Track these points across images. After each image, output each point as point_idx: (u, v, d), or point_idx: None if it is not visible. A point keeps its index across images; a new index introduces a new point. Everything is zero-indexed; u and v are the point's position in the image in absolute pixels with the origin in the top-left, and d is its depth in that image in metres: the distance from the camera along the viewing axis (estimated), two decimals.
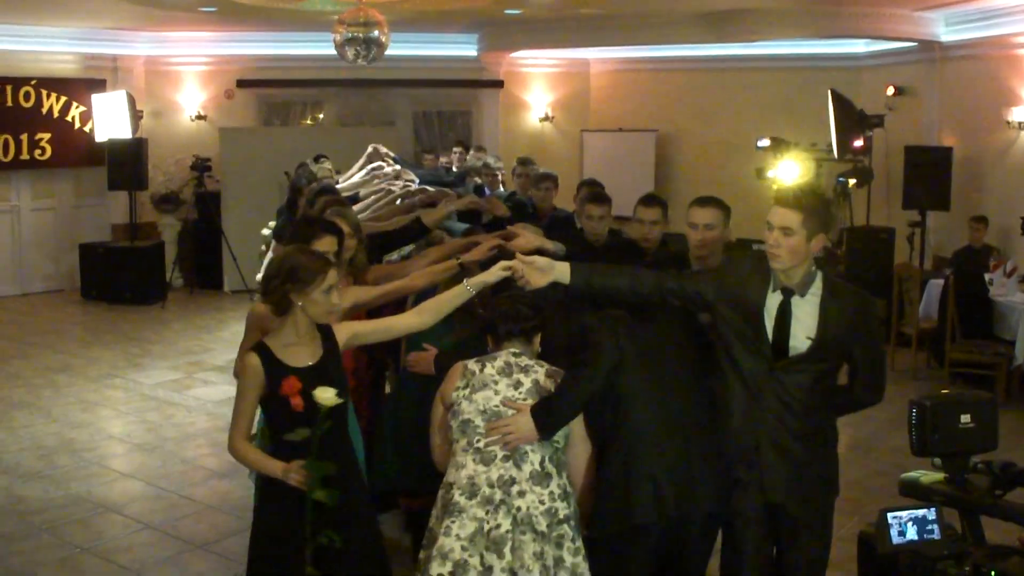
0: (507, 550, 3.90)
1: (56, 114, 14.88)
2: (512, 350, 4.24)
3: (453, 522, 3.96)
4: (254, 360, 4.02)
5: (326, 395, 3.92)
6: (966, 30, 12.80)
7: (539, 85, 17.43)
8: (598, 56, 17.38)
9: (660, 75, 16.86)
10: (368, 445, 5.23)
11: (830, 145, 13.26)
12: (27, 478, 7.75)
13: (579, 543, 4.06)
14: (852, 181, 13.00)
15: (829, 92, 13.20)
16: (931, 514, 3.40)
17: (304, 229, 4.79)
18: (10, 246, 15.08)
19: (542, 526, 3.96)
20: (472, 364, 4.22)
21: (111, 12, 13.56)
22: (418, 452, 4.44)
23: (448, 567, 3.88)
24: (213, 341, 12.31)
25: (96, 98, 15.01)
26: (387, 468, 5.28)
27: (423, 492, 4.36)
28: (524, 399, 4.11)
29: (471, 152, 12.51)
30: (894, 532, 3.36)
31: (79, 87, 15.05)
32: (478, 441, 4.09)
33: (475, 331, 4.58)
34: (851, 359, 4.26)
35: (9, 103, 14.33)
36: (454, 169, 11.45)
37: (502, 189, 10.12)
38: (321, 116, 17.02)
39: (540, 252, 4.69)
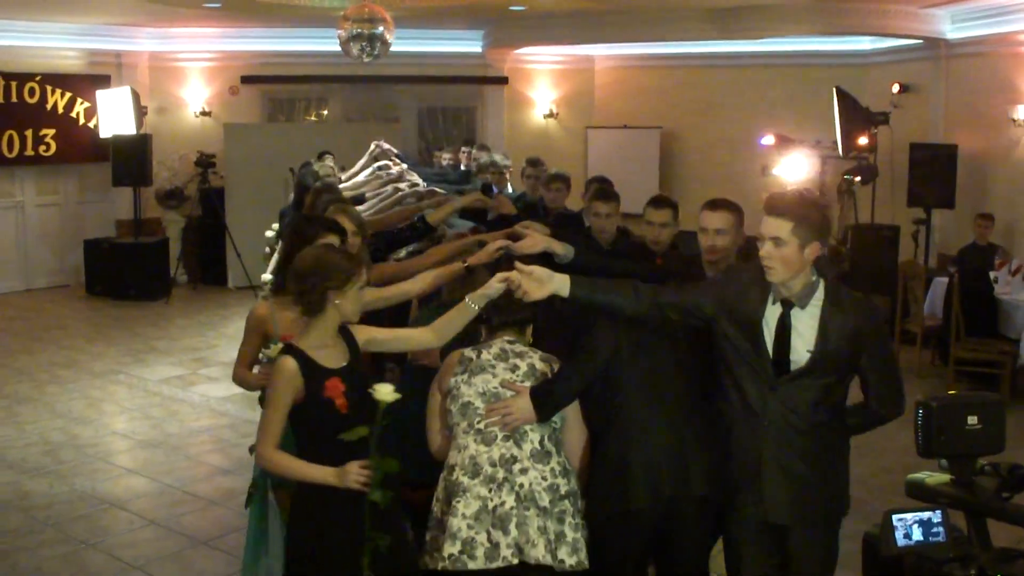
0: (512, 526, 4.00)
1: (61, 110, 14.89)
2: (507, 338, 4.35)
3: (458, 502, 4.03)
4: (291, 364, 3.87)
5: (385, 391, 3.93)
6: (972, 27, 12.78)
7: (543, 82, 17.42)
8: (603, 53, 17.35)
9: (665, 72, 16.84)
10: None
11: (835, 142, 13.26)
12: (32, 474, 7.77)
13: (579, 519, 4.16)
14: (857, 178, 13.00)
15: (834, 89, 13.19)
16: (936, 516, 3.36)
17: (305, 227, 4.73)
18: (15, 242, 15.10)
19: (545, 502, 4.06)
20: (469, 351, 4.33)
21: (116, 8, 13.57)
22: (422, 444, 4.47)
23: (457, 546, 3.96)
24: (217, 337, 12.32)
25: (101, 94, 15.02)
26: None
27: (426, 484, 4.37)
28: (522, 381, 4.22)
29: (473, 150, 12.45)
30: (899, 534, 3.33)
31: (84, 83, 15.07)
32: (479, 422, 4.18)
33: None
34: (860, 372, 4.09)
35: (14, 99, 14.35)
36: (462, 167, 11.39)
37: (510, 189, 9.99)
38: (325, 112, 17.03)
39: (548, 253, 4.68)
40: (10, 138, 14.39)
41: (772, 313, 4.02)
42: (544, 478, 4.11)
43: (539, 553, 3.98)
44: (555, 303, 4.26)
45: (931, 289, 11.05)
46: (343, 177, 9.41)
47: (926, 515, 3.35)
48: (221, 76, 16.19)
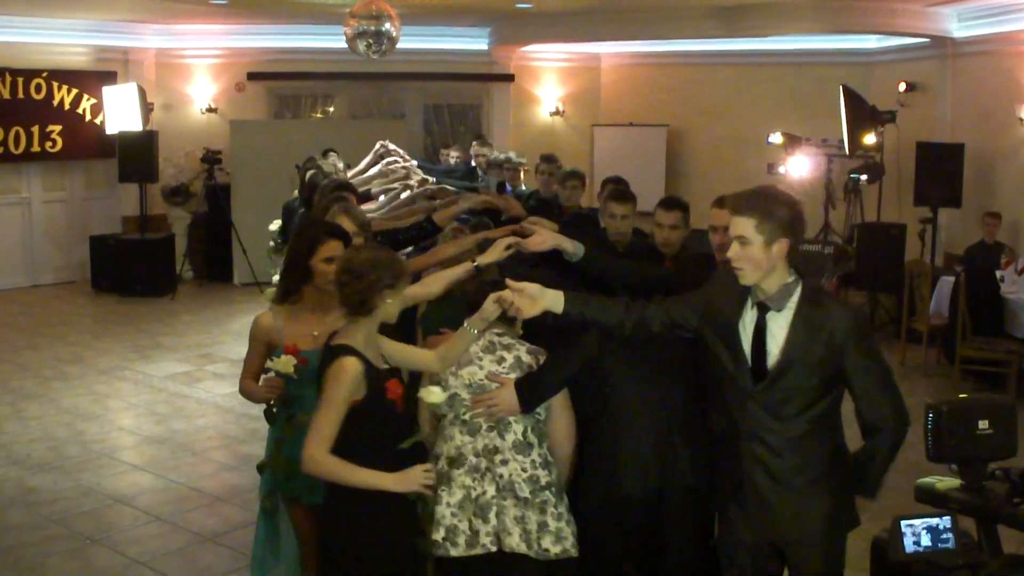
0: (492, 515, 4.14)
1: (67, 106, 14.90)
2: (495, 330, 4.38)
3: (443, 491, 4.17)
4: (358, 365, 3.80)
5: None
6: (978, 26, 12.76)
7: (550, 79, 17.41)
8: (609, 50, 17.35)
9: (671, 70, 16.83)
10: None
11: (841, 141, 13.25)
12: (37, 469, 7.77)
13: (562, 508, 4.25)
14: (863, 177, 12.98)
15: (841, 88, 13.19)
16: (946, 522, 3.31)
17: (311, 233, 4.65)
18: (21, 238, 15.11)
19: (524, 492, 4.18)
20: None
21: (122, 4, 13.59)
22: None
23: (441, 533, 4.12)
24: (223, 334, 12.32)
25: (107, 90, 15.03)
26: None
27: None
28: (507, 373, 4.28)
29: (474, 145, 12.41)
30: (908, 540, 3.29)
31: (90, 79, 15.07)
32: (464, 413, 4.28)
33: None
34: (846, 380, 3.84)
35: (20, 95, 14.35)
36: (473, 163, 11.34)
37: (524, 186, 9.94)
38: (331, 109, 17.03)
39: (557, 250, 4.67)
40: (16, 134, 14.40)
41: (750, 318, 3.84)
42: (524, 469, 4.22)
43: (514, 542, 4.11)
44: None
45: (937, 288, 11.04)
46: (348, 175, 9.39)
47: (935, 521, 3.31)
48: (227, 73, 16.19)
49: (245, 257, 14.44)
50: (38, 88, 14.53)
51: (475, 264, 4.70)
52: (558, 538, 4.18)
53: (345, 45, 10.73)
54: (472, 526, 4.13)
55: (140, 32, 15.50)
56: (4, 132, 14.25)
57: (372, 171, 9.01)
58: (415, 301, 4.83)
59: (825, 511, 3.92)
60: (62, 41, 14.82)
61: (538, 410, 4.30)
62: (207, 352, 11.45)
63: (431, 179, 8.55)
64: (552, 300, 4.01)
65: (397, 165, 8.86)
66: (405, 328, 4.97)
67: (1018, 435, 3.58)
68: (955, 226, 13.16)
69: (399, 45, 10.76)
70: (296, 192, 9.58)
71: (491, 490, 4.15)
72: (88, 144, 15.21)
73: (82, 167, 15.50)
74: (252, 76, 16.14)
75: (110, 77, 15.19)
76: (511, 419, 4.24)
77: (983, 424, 3.49)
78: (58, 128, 14.81)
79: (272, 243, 9.31)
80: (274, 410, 4.66)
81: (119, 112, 14.86)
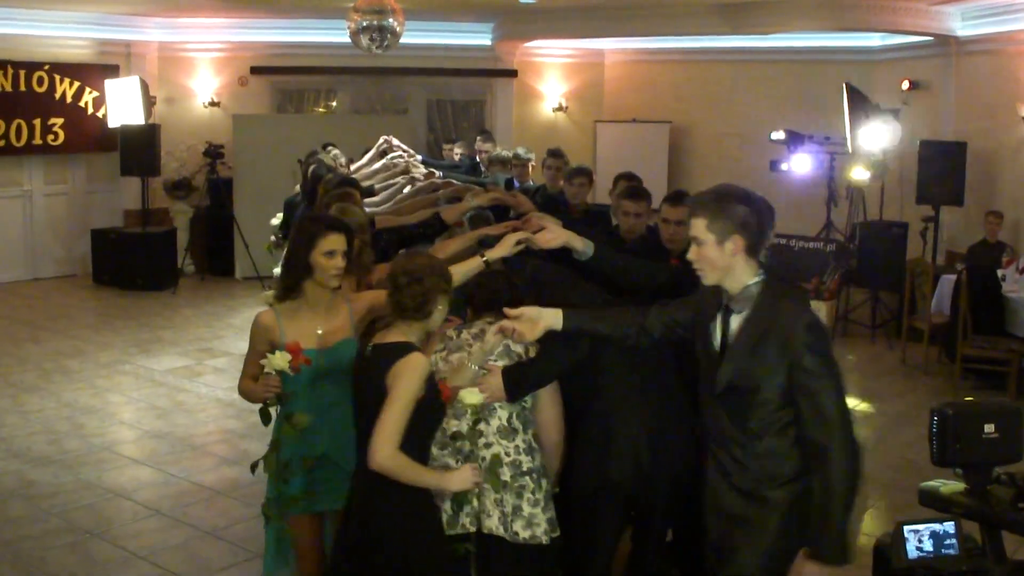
0: (472, 496, 4.24)
1: (69, 99, 14.89)
2: (488, 319, 4.44)
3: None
4: (428, 363, 3.91)
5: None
6: (982, 25, 12.75)
7: (553, 75, 17.38)
8: (612, 47, 17.32)
9: (675, 66, 16.81)
10: None
11: (844, 138, 13.23)
12: (37, 463, 7.77)
13: (540, 496, 4.31)
14: (866, 175, 12.97)
15: (844, 85, 13.17)
16: (950, 528, 3.26)
17: (310, 227, 4.49)
18: (22, 231, 15.11)
19: (505, 476, 4.27)
20: (450, 331, 4.50)
21: None
22: None
23: None
24: (224, 328, 12.32)
25: (109, 84, 15.02)
26: None
27: None
28: (496, 361, 4.34)
29: (477, 140, 12.38)
30: (911, 546, 3.24)
31: (92, 72, 15.06)
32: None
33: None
34: (792, 393, 3.59)
35: (23, 88, 14.34)
36: (478, 159, 11.31)
37: (531, 182, 9.81)
38: (334, 104, 17.01)
39: (567, 248, 4.64)
40: (18, 127, 14.39)
41: (720, 320, 3.77)
42: (507, 454, 4.30)
43: (493, 524, 4.23)
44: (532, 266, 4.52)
45: (939, 286, 11.03)
46: (351, 169, 9.38)
47: (939, 526, 3.26)
48: (230, 67, 16.18)
49: (247, 251, 14.43)
50: (40, 81, 14.53)
51: (484, 259, 4.65)
52: (529, 523, 4.26)
53: (348, 40, 10.71)
54: (453, 506, 4.23)
55: (143, 25, 15.49)
56: (6, 125, 14.25)
57: (374, 166, 9.01)
58: None
59: (782, 527, 3.63)
60: (64, 34, 14.81)
61: (524, 398, 4.36)
62: (208, 346, 11.45)
63: (437, 172, 8.51)
64: (552, 319, 4.04)
65: (400, 160, 8.84)
66: None
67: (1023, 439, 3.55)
68: (957, 225, 13.15)
69: (402, 40, 10.73)
70: (298, 187, 9.56)
71: None
72: (90, 137, 15.21)
73: (84, 160, 15.50)
74: (255, 70, 16.13)
75: (112, 70, 15.19)
76: (496, 405, 4.31)
77: (989, 428, 3.43)
78: (60, 121, 14.80)
79: (273, 238, 9.29)
80: (270, 409, 4.48)
81: (121, 105, 14.85)
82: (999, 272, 10.52)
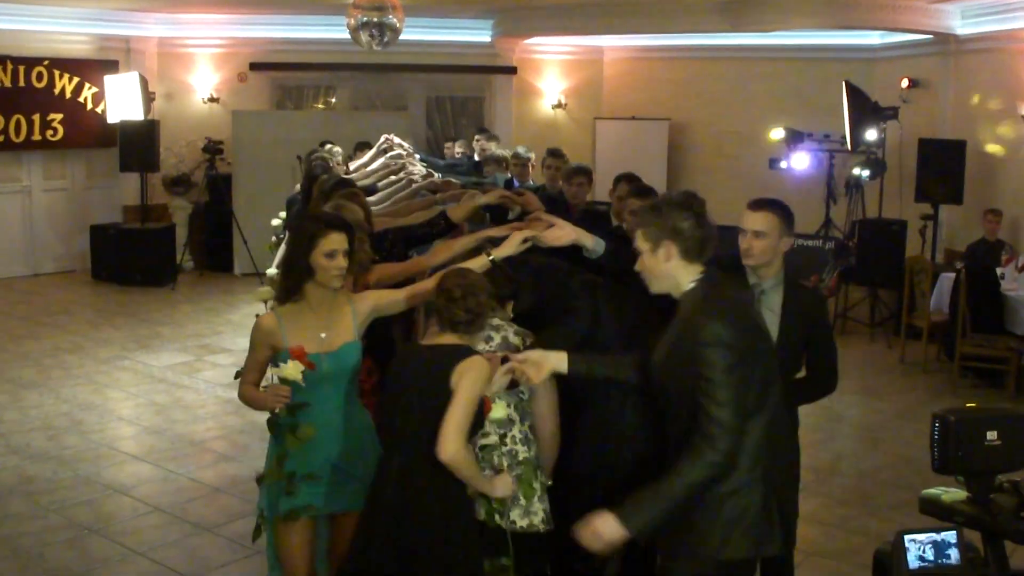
0: (506, 504, 4.26)
1: (68, 95, 14.89)
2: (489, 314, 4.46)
3: None
4: (489, 367, 3.98)
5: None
6: (982, 23, 12.75)
7: (552, 72, 17.37)
8: (612, 44, 17.31)
9: (674, 63, 16.79)
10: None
11: (844, 136, 13.24)
12: (36, 458, 7.77)
13: (536, 485, 4.37)
14: (865, 173, 12.97)
15: (843, 83, 13.17)
16: (951, 537, 3.19)
17: (309, 227, 4.35)
18: (21, 226, 15.11)
19: (502, 465, 4.31)
20: None
21: None
22: None
23: None
24: (223, 324, 12.32)
25: (109, 79, 15.02)
26: None
27: None
28: (494, 351, 4.35)
29: (480, 139, 12.36)
30: (911, 556, 3.19)
31: (92, 68, 15.06)
32: None
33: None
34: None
35: (22, 83, 14.35)
36: (476, 158, 11.28)
37: (531, 182, 9.69)
38: (333, 100, 17.01)
39: (577, 246, 4.61)
40: (17, 122, 14.39)
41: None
42: (504, 443, 4.34)
43: (480, 499, 4.23)
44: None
45: (938, 284, 11.03)
46: (351, 167, 9.38)
47: (940, 536, 3.18)
48: (230, 63, 16.18)
49: (246, 247, 14.44)
50: (39, 76, 14.53)
51: (491, 258, 4.60)
52: (526, 512, 4.31)
53: (348, 36, 10.71)
54: (487, 509, 4.25)
55: (142, 21, 15.48)
56: (5, 120, 14.25)
57: (373, 165, 9.00)
58: (426, 298, 4.63)
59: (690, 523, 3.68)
60: (64, 29, 14.81)
61: (521, 389, 4.36)
62: (207, 342, 11.45)
63: (436, 175, 8.46)
64: (556, 361, 4.06)
65: (399, 159, 8.82)
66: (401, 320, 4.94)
67: None
68: (956, 223, 13.16)
69: (402, 36, 10.74)
70: (299, 186, 9.54)
71: None
72: (89, 133, 15.21)
73: (83, 156, 15.50)
74: (254, 66, 16.12)
75: (112, 66, 15.18)
76: (495, 396, 4.32)
77: (991, 435, 3.36)
78: (59, 117, 14.81)
79: (274, 238, 9.27)
80: (279, 420, 4.33)
81: (121, 101, 14.85)
82: (998, 270, 10.51)
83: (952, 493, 3.49)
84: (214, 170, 15.23)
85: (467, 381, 3.88)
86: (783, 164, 13.65)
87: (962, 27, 13.09)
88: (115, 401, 9.37)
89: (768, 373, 3.65)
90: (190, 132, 15.64)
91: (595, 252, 4.60)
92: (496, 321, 4.47)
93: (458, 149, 12.65)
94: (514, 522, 4.28)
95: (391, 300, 4.56)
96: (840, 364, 4.73)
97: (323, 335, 4.30)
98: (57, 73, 14.71)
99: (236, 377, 4.50)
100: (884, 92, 13.84)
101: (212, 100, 16.11)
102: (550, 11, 15.28)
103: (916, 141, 12.82)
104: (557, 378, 4.67)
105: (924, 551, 3.18)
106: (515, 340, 4.43)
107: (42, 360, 10.55)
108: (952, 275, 10.63)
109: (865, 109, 12.94)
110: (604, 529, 3.52)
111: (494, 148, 11.06)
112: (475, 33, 16.46)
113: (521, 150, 9.96)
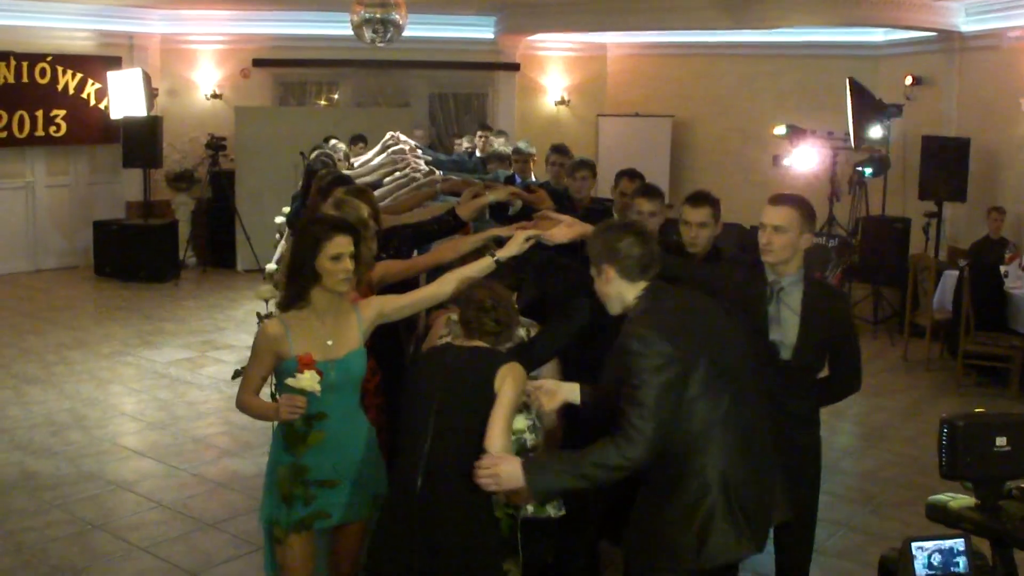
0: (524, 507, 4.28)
1: (71, 91, 14.89)
2: None
3: None
4: (525, 373, 4.07)
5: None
6: (986, 20, 12.74)
7: (555, 69, 17.37)
8: (615, 40, 17.30)
9: (677, 60, 16.79)
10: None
11: (847, 134, 13.23)
12: (39, 454, 7.77)
13: None
14: (868, 170, 12.96)
15: (847, 80, 13.16)
16: (959, 545, 3.13)
17: (314, 230, 4.24)
18: (24, 222, 15.11)
19: (510, 453, 4.27)
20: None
21: None
22: None
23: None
24: (225, 320, 12.32)
25: (112, 75, 15.02)
26: None
27: None
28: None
29: (484, 135, 12.34)
30: (918, 564, 3.15)
31: (95, 64, 15.06)
32: None
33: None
34: None
35: (25, 79, 14.35)
36: (477, 154, 11.25)
37: (533, 177, 9.64)
38: (336, 96, 17.01)
39: (581, 242, 4.59)
40: (21, 118, 14.39)
41: None
42: (512, 432, 4.25)
43: (497, 498, 4.19)
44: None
45: (941, 282, 11.03)
46: (355, 163, 9.37)
47: (947, 543, 3.11)
48: (232, 59, 16.18)
49: (248, 243, 14.44)
50: (43, 72, 14.53)
51: (495, 259, 4.58)
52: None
53: (351, 32, 10.70)
54: (504, 511, 4.26)
55: (145, 17, 15.49)
56: (8, 116, 14.25)
57: (375, 161, 9.00)
58: (434, 302, 4.65)
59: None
60: (67, 25, 14.81)
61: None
62: (210, 338, 11.45)
63: (438, 172, 8.45)
64: (569, 391, 4.18)
65: (401, 155, 8.80)
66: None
67: None
68: (960, 221, 13.15)
69: (405, 33, 10.73)
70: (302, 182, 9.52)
71: None
72: (92, 129, 15.22)
73: (86, 152, 15.51)
74: (257, 62, 16.12)
75: (115, 62, 15.19)
76: None
77: (1001, 441, 3.26)
78: (62, 113, 14.81)
79: (277, 235, 9.24)
80: (297, 430, 4.15)
81: (123, 97, 14.86)
82: (1001, 268, 10.52)
83: (960, 499, 3.42)
84: (217, 166, 15.24)
85: (508, 385, 3.93)
86: (786, 161, 13.62)
87: (966, 24, 13.08)
88: (118, 397, 9.37)
89: (729, 378, 3.74)
90: (193, 128, 15.66)
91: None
92: None
93: (466, 144, 12.63)
94: (519, 508, 4.26)
95: (396, 307, 4.48)
96: None
97: (329, 342, 4.21)
98: (60, 69, 14.71)
99: (234, 378, 4.42)
100: (888, 89, 13.84)
101: (215, 96, 16.11)
102: (553, 8, 15.28)
103: (920, 138, 12.82)
104: (559, 370, 4.74)
105: (931, 559, 3.12)
106: (520, 331, 4.44)
107: (45, 356, 10.55)
108: (956, 273, 10.62)
109: (869, 106, 12.95)
110: (506, 472, 3.69)
111: (501, 144, 11.01)
112: (478, 30, 16.46)
113: (523, 145, 9.87)
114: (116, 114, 14.91)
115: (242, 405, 4.37)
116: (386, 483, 4.28)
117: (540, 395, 4.14)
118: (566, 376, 4.63)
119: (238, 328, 11.59)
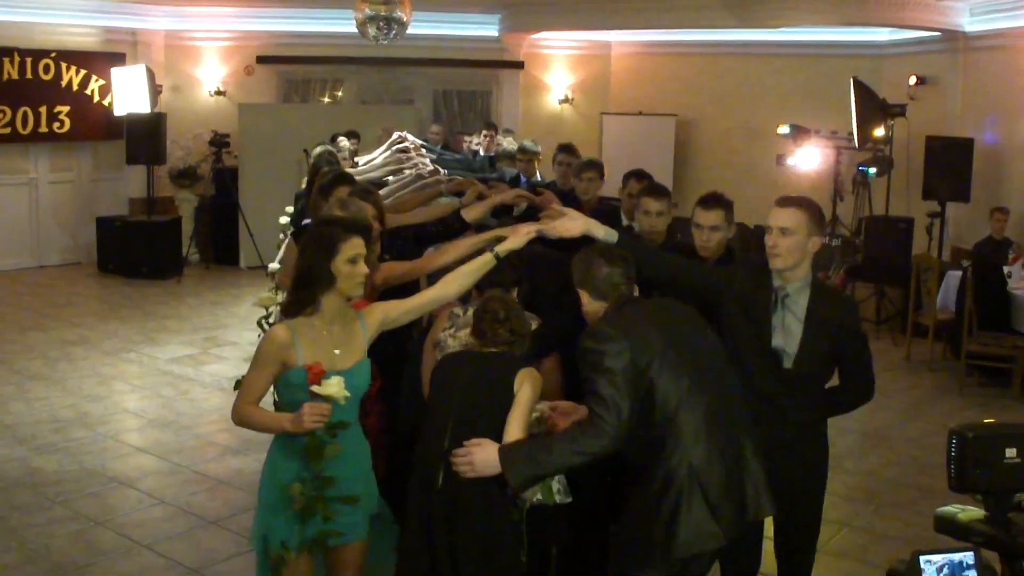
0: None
1: (75, 87, 14.88)
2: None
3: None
4: (540, 376, 4.17)
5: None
6: (990, 20, 12.72)
7: (559, 67, 17.37)
8: (619, 39, 17.30)
9: (681, 59, 16.78)
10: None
11: (851, 133, 13.23)
12: (42, 450, 7.78)
13: None
14: (872, 170, 12.96)
15: (851, 80, 13.15)
16: (969, 558, 3.08)
17: (330, 232, 4.08)
18: (28, 218, 15.11)
19: None
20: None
21: None
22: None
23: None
24: (228, 317, 12.33)
25: (115, 72, 15.02)
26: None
27: None
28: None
29: (490, 134, 12.33)
30: None
31: (99, 60, 15.05)
32: None
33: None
34: None
35: (29, 75, 14.33)
36: (481, 153, 11.23)
37: (539, 176, 9.51)
38: (340, 94, 17.01)
39: (588, 238, 4.58)
40: (24, 114, 14.39)
41: None
42: None
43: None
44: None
45: (944, 282, 11.02)
46: (360, 162, 9.35)
47: (957, 556, 3.04)
48: (237, 56, 16.18)
49: (251, 240, 14.44)
50: (46, 68, 14.52)
51: (495, 254, 4.53)
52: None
53: (355, 30, 10.71)
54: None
55: (149, 13, 15.49)
56: (12, 112, 14.24)
57: (381, 158, 9.00)
58: (437, 304, 4.60)
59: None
60: (71, 22, 14.81)
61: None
62: (213, 335, 11.45)
63: (443, 171, 8.41)
64: (584, 413, 4.17)
65: (405, 154, 8.79)
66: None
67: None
68: (963, 221, 13.13)
69: (409, 31, 10.74)
70: (305, 180, 9.50)
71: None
72: (96, 125, 15.21)
73: (90, 148, 15.50)
74: (261, 59, 16.12)
75: (119, 58, 15.19)
76: None
77: (1011, 452, 3.19)
78: (66, 109, 14.80)
79: (282, 235, 9.18)
80: (321, 439, 3.91)
81: (127, 94, 14.85)
82: (1005, 269, 10.51)
83: (969, 511, 3.35)
84: (220, 163, 15.24)
85: (528, 387, 4.05)
86: (790, 161, 13.63)
87: (970, 24, 13.06)
88: (121, 393, 9.38)
89: (699, 375, 3.84)
90: (197, 125, 15.66)
91: (606, 243, 4.53)
92: None
93: (476, 141, 12.61)
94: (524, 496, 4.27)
95: (400, 312, 4.36)
96: None
97: (337, 352, 4.04)
98: (64, 65, 14.70)
99: (236, 388, 4.27)
100: (892, 89, 13.83)
101: (219, 93, 16.11)
102: (557, 6, 15.29)
103: (923, 138, 12.80)
104: (563, 364, 4.74)
105: (940, 572, 3.08)
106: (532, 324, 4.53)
107: (48, 352, 10.55)
108: (959, 273, 10.62)
109: (873, 106, 12.94)
110: (480, 459, 3.81)
111: (509, 143, 10.97)
112: (482, 28, 16.47)
113: (528, 144, 9.70)
114: (120, 110, 14.91)
115: (241, 416, 4.08)
116: (377, 502, 4.30)
117: (556, 416, 4.22)
118: (564, 371, 4.78)
119: (241, 325, 11.58)
